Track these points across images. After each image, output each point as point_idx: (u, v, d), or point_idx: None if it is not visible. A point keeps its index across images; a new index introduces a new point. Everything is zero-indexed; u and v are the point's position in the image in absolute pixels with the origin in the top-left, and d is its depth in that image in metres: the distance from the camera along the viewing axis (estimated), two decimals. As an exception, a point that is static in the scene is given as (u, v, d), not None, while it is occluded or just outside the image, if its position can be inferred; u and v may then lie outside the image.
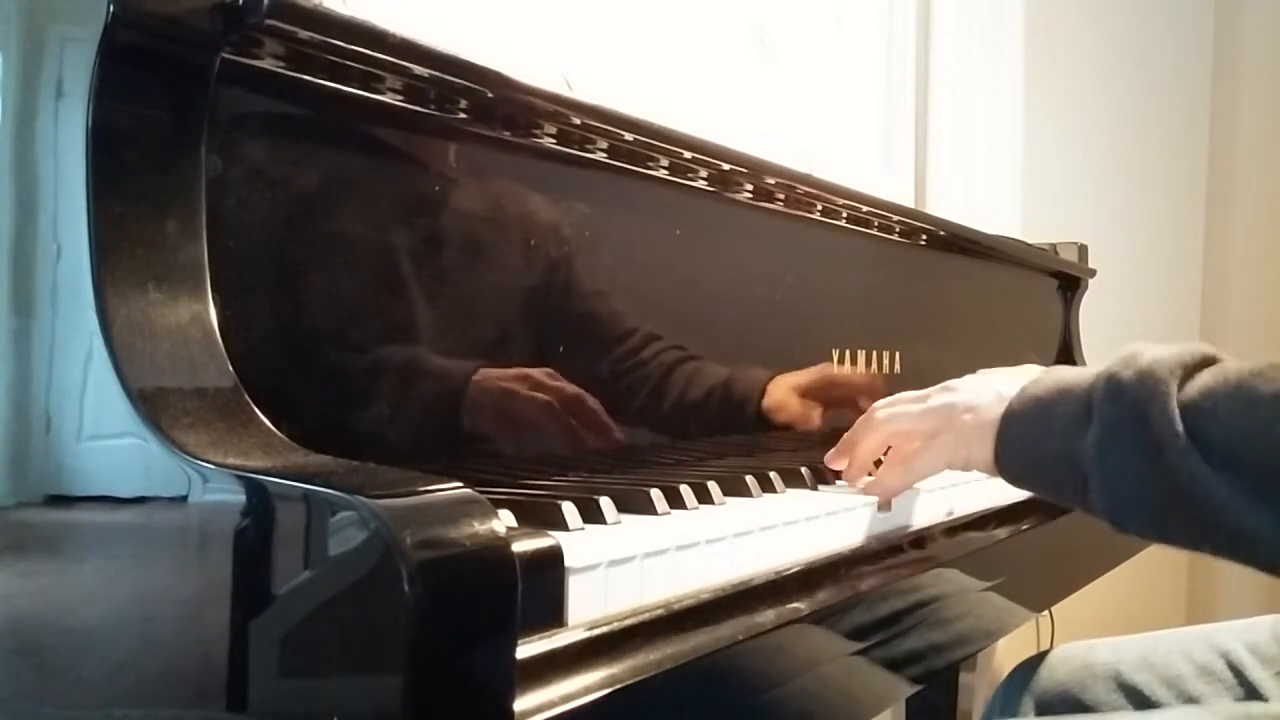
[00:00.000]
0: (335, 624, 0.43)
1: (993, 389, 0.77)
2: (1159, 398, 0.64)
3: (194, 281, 0.52)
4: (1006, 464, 0.75)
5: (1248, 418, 0.62)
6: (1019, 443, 0.73)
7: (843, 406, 1.07)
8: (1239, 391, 0.63)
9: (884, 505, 0.81)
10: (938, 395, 0.81)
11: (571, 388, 0.79)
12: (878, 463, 0.86)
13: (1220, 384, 0.64)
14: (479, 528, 0.44)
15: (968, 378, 0.82)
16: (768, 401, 0.98)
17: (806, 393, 1.02)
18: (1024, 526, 0.97)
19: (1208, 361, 0.67)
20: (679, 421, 0.91)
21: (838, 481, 0.87)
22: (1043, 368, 0.77)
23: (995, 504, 0.97)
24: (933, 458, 0.79)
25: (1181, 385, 0.65)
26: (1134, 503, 0.66)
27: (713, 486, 0.74)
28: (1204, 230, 2.41)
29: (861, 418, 0.85)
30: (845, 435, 0.86)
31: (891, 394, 0.87)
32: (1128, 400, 0.66)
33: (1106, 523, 0.69)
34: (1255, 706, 0.95)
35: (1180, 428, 0.63)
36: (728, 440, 0.95)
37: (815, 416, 1.04)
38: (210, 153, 0.54)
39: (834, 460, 0.86)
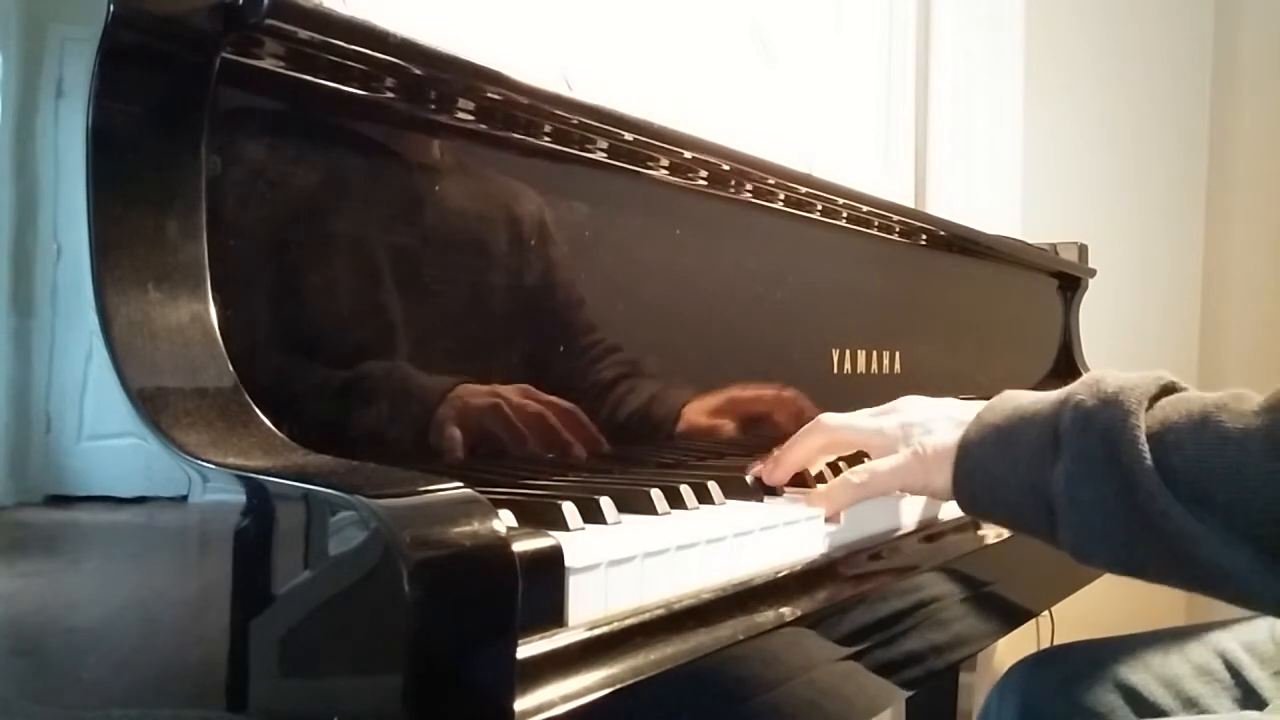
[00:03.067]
0: (335, 624, 0.43)
1: (944, 414, 0.75)
2: (1128, 429, 0.63)
3: (194, 281, 0.52)
4: (965, 493, 0.72)
5: (1217, 457, 0.61)
6: (978, 472, 0.71)
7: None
8: (1205, 427, 0.62)
9: (832, 518, 0.75)
10: (891, 415, 0.78)
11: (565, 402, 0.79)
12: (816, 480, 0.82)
13: (1184, 417, 0.63)
14: (479, 528, 0.44)
15: (912, 401, 0.79)
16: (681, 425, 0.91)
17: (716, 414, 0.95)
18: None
19: (1168, 390, 0.66)
20: (679, 421, 0.91)
21: (819, 486, 0.82)
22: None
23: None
24: (892, 476, 0.76)
25: (1147, 415, 0.64)
26: (1102, 536, 0.65)
27: (713, 486, 0.74)
28: (1204, 230, 2.41)
29: (805, 426, 0.81)
30: (785, 444, 0.81)
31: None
32: (1096, 431, 0.64)
33: (1069, 554, 0.67)
34: (1251, 715, 0.94)
35: (1150, 461, 0.62)
36: (727, 440, 0.95)
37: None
38: (210, 153, 0.54)
39: (766, 469, 0.80)
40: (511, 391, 0.74)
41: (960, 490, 0.72)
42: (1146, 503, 0.62)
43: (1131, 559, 0.65)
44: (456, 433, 0.70)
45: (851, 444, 0.81)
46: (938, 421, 0.75)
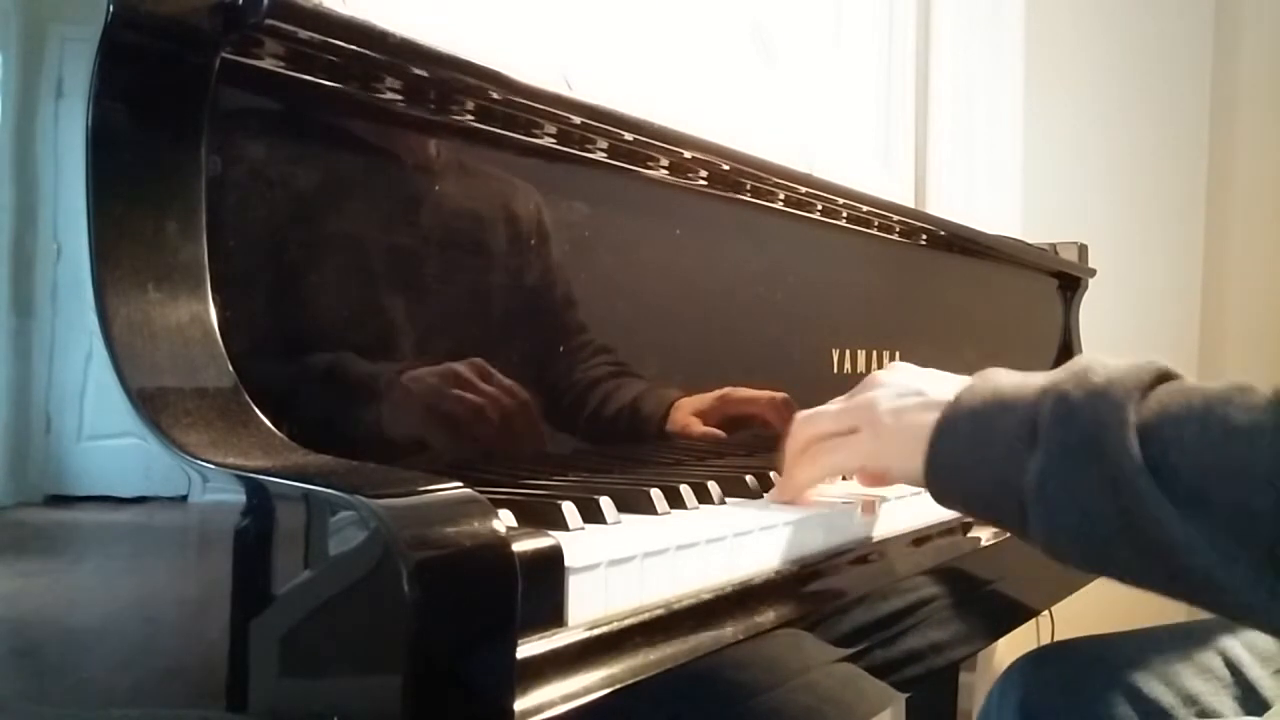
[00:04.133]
0: (335, 624, 0.43)
1: (915, 391, 0.70)
2: (1115, 425, 0.57)
3: (194, 281, 0.52)
4: (936, 483, 0.67)
5: (1221, 452, 0.55)
6: (950, 461, 0.65)
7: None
8: (1209, 419, 0.56)
9: (867, 510, 0.75)
10: (858, 391, 0.74)
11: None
12: None
13: (1183, 409, 0.57)
14: (479, 527, 0.44)
15: (893, 371, 0.75)
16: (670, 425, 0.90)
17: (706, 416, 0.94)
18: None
19: (1164, 377, 0.59)
20: (678, 421, 0.91)
21: (842, 480, 0.86)
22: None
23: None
24: (845, 454, 0.73)
25: (1139, 408, 0.57)
26: (1078, 538, 0.60)
27: (713, 486, 0.74)
28: (1204, 230, 2.41)
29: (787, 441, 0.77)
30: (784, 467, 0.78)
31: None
32: (1079, 425, 0.58)
33: (1042, 550, 0.63)
34: None
35: (1140, 459, 0.56)
36: (728, 440, 0.95)
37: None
38: (210, 153, 0.54)
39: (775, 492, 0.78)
40: (505, 392, 0.74)
41: (931, 478, 0.67)
42: (1133, 504, 0.56)
43: (1108, 563, 0.60)
44: (456, 431, 0.70)
45: (824, 438, 0.75)
46: (905, 398, 0.70)
